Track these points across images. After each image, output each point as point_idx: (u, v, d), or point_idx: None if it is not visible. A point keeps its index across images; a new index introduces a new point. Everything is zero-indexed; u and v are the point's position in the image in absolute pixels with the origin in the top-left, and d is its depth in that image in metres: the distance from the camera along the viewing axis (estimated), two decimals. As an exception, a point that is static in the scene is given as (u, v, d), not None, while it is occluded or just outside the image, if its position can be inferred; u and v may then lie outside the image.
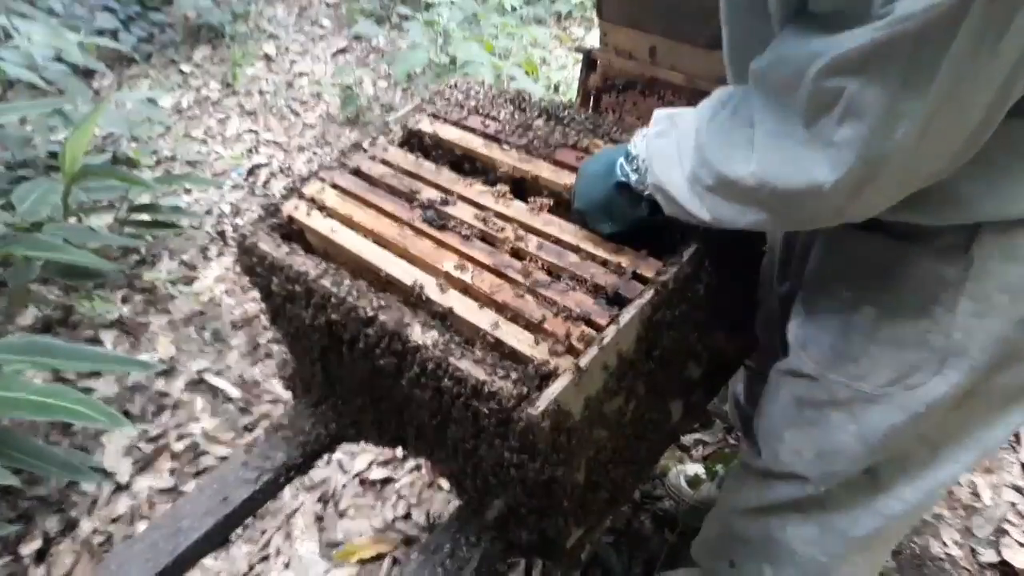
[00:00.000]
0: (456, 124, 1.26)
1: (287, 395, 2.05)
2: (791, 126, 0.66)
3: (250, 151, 3.33)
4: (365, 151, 1.27)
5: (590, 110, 1.70)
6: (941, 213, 0.75)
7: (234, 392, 2.16)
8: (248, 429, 2.05)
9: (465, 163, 1.21)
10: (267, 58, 4.10)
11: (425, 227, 1.07)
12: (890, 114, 0.59)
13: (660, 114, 0.88)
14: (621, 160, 0.92)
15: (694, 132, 0.79)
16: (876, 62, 0.57)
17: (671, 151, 0.83)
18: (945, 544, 1.56)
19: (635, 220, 0.94)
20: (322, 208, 1.17)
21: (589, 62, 1.68)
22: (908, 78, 0.57)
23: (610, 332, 0.87)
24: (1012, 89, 0.60)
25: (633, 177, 0.90)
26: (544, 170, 1.10)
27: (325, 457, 1.39)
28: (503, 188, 1.11)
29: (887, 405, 0.89)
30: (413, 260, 1.04)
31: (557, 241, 1.01)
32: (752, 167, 0.71)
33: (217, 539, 1.21)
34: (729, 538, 1.19)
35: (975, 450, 0.92)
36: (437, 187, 1.15)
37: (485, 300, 0.95)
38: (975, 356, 0.81)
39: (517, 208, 1.07)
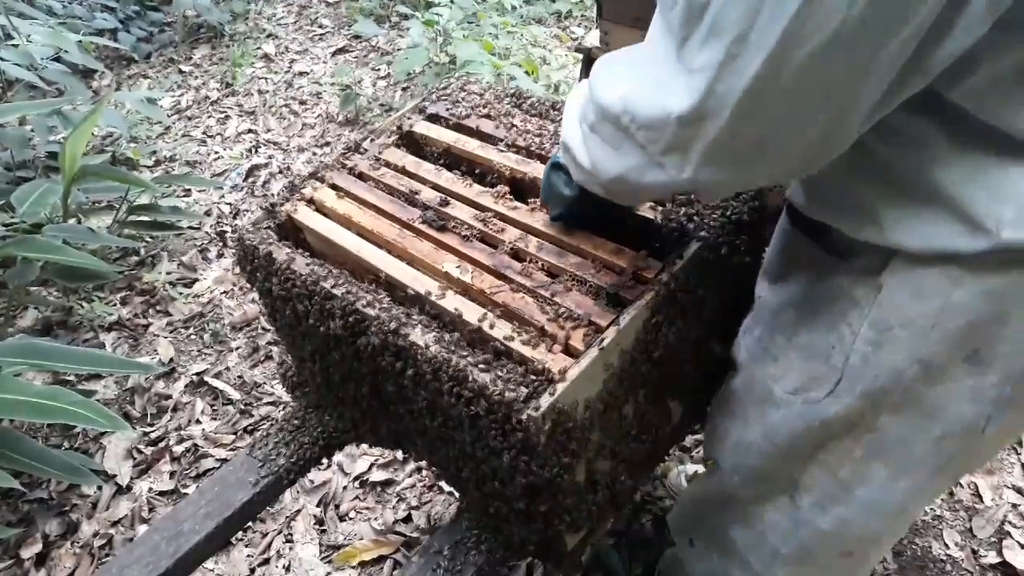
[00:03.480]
0: (452, 126, 1.26)
1: (287, 397, 2.04)
2: (668, 50, 0.61)
3: (250, 151, 3.32)
4: (365, 151, 1.26)
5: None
6: (859, 227, 0.72)
7: (234, 394, 2.15)
8: (248, 431, 2.04)
9: (462, 165, 1.20)
10: (267, 58, 4.10)
11: (425, 228, 1.07)
12: (745, 40, 0.53)
13: (582, 82, 0.85)
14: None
15: (591, 73, 0.76)
16: None
17: (576, 106, 0.80)
18: (947, 545, 1.56)
19: (568, 200, 0.93)
20: (321, 209, 1.16)
21: (589, 61, 1.68)
22: (767, 2, 0.51)
23: (610, 333, 0.87)
24: (881, 65, 0.54)
25: (561, 152, 0.88)
26: (541, 172, 1.10)
27: (325, 460, 1.39)
28: (503, 189, 1.11)
29: (788, 411, 0.87)
30: (413, 261, 1.03)
31: (557, 242, 1.00)
32: (621, 91, 0.67)
33: (218, 542, 1.21)
34: (691, 517, 1.21)
35: (874, 499, 0.86)
36: (436, 188, 1.15)
37: (485, 301, 0.95)
38: (866, 385, 0.77)
39: (517, 209, 1.07)
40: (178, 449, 2.01)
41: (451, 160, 1.23)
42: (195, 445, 2.02)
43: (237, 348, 2.32)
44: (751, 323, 0.97)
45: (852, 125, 0.60)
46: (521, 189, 1.12)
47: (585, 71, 1.69)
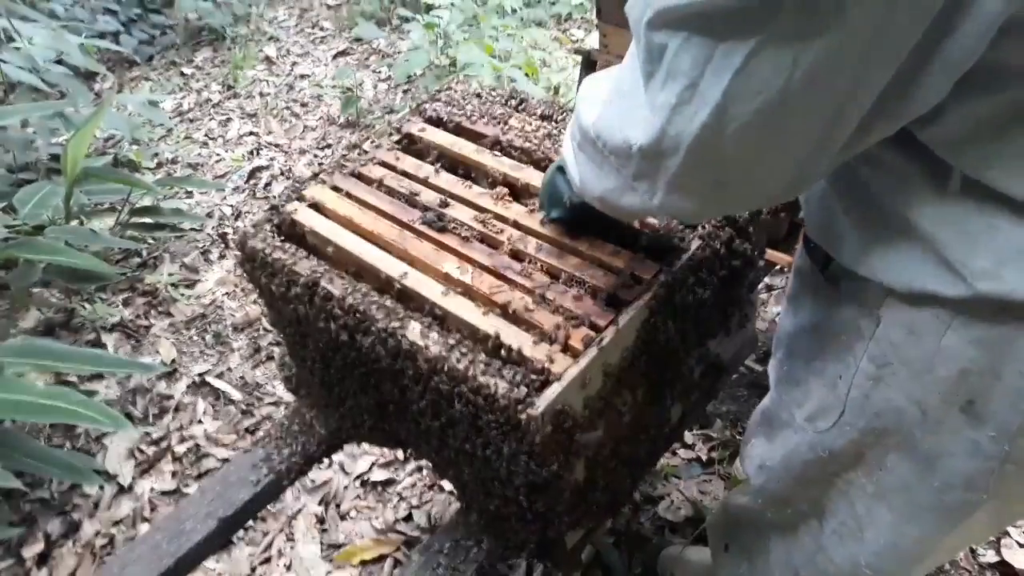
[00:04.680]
0: (451, 129, 1.27)
1: (289, 397, 2.05)
2: (636, 82, 0.61)
3: (251, 153, 3.33)
4: (365, 153, 1.27)
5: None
6: (852, 258, 0.72)
7: (236, 394, 2.16)
8: (250, 431, 2.05)
9: (459, 168, 1.21)
10: (268, 60, 4.11)
11: (425, 229, 1.08)
12: (696, 88, 0.53)
13: None
14: None
15: (579, 90, 0.77)
16: (695, 23, 0.51)
17: (571, 121, 0.81)
18: (946, 544, 1.57)
19: (571, 205, 0.94)
20: (322, 210, 1.17)
21: (589, 64, 1.69)
22: (718, 55, 0.51)
23: (609, 333, 0.88)
24: (843, 118, 0.54)
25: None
26: (535, 178, 1.11)
27: (326, 459, 1.40)
28: (502, 190, 1.12)
29: (803, 438, 0.86)
30: (413, 262, 1.04)
31: (556, 243, 1.01)
32: (596, 114, 0.68)
33: (219, 541, 1.21)
34: (729, 524, 1.21)
35: (882, 544, 0.84)
36: (436, 189, 1.15)
37: (485, 301, 0.95)
38: (868, 422, 0.76)
39: (516, 210, 1.08)
40: (180, 449, 2.01)
41: (448, 163, 1.24)
42: (197, 445, 2.02)
43: (239, 349, 2.33)
44: (776, 346, 0.96)
45: (812, 170, 0.60)
46: (515, 194, 1.12)
47: (585, 74, 1.70)
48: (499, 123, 1.24)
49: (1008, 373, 0.64)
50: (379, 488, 1.85)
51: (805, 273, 0.85)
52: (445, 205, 1.11)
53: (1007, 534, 1.57)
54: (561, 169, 0.93)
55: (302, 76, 3.92)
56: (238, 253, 1.19)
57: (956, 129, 0.58)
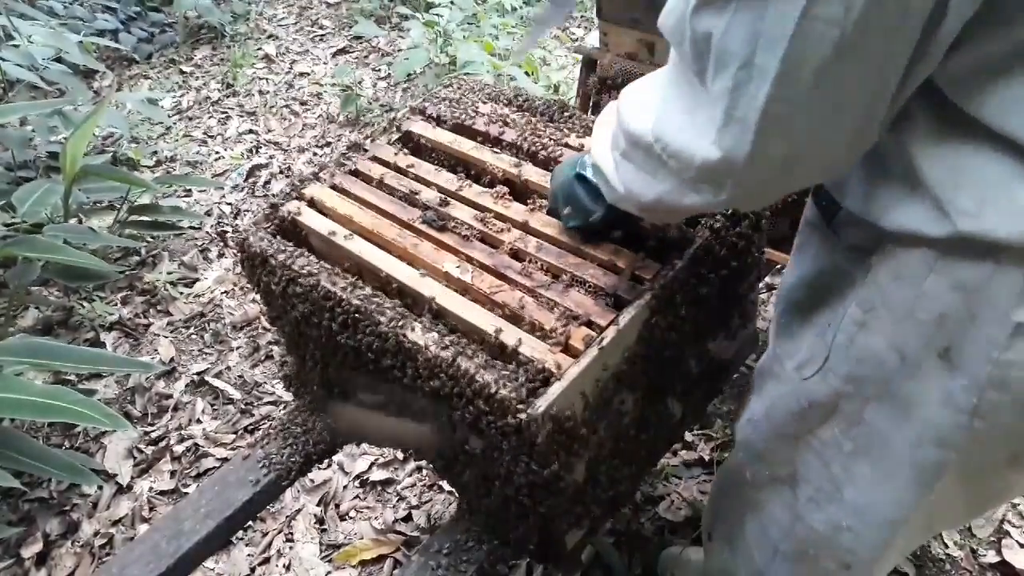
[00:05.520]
0: (450, 127, 1.26)
1: (288, 396, 2.05)
2: (690, 80, 0.62)
3: (250, 152, 3.33)
4: (365, 152, 1.27)
5: (590, 110, 1.71)
6: (858, 202, 0.72)
7: (235, 393, 2.16)
8: (249, 431, 2.05)
9: (458, 167, 1.21)
10: (267, 58, 4.10)
11: (425, 228, 1.08)
12: (751, 65, 0.54)
13: (611, 104, 0.88)
14: (587, 155, 0.92)
15: (619, 100, 0.78)
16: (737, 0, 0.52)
17: (608, 131, 0.82)
18: (946, 545, 1.56)
19: (592, 213, 0.94)
20: (322, 209, 1.17)
21: (589, 62, 1.68)
22: (767, 24, 0.52)
23: (610, 333, 0.87)
24: (893, 62, 0.55)
25: (590, 170, 0.90)
26: (534, 175, 1.11)
27: (326, 459, 1.39)
28: (502, 189, 1.11)
29: (787, 387, 0.87)
30: (413, 261, 1.04)
31: (557, 242, 1.01)
32: (651, 119, 0.68)
33: (218, 541, 1.21)
34: (712, 511, 1.21)
35: (861, 503, 0.83)
36: (436, 188, 1.15)
37: (485, 301, 0.95)
38: (850, 368, 0.76)
39: (516, 209, 1.07)
40: (179, 448, 2.01)
41: (448, 161, 1.23)
42: (196, 444, 2.02)
43: (238, 348, 2.32)
44: (776, 303, 0.97)
45: (874, 125, 0.61)
46: (514, 192, 1.12)
47: (585, 72, 1.69)
48: (499, 121, 1.23)
49: (983, 319, 0.65)
50: (379, 488, 1.84)
51: (812, 224, 0.86)
52: (445, 204, 1.11)
53: (1007, 534, 1.57)
54: (580, 177, 0.93)
55: (301, 74, 3.91)
56: (237, 252, 1.19)
57: (963, 66, 0.59)
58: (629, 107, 0.74)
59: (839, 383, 0.79)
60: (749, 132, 0.58)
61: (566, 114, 1.23)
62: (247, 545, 1.76)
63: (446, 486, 1.79)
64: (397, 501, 1.80)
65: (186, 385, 2.21)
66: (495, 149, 1.18)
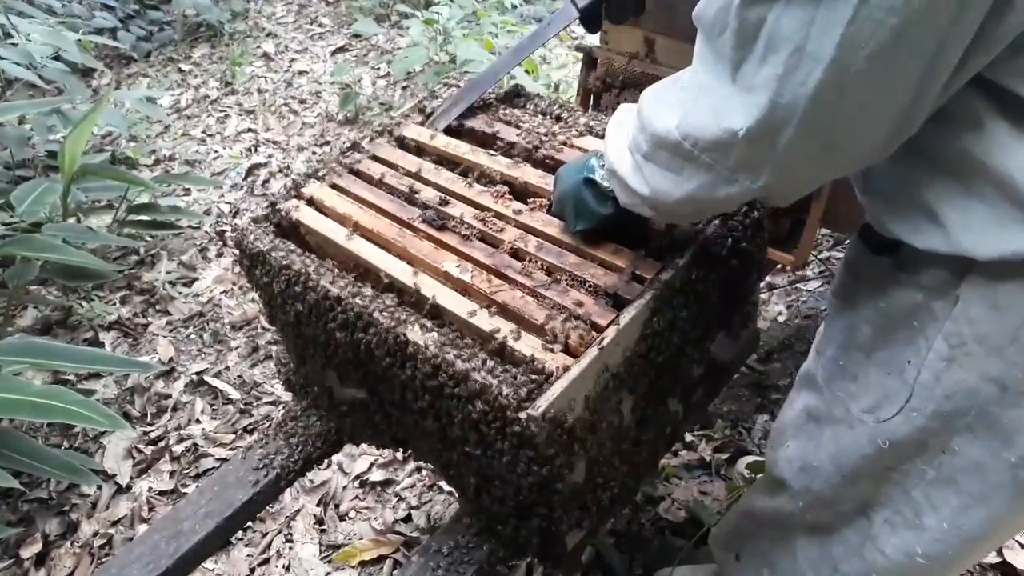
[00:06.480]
0: (446, 129, 1.25)
1: (287, 396, 2.04)
2: (719, 75, 0.63)
3: (249, 150, 3.32)
4: (364, 151, 1.26)
5: (590, 109, 1.70)
6: (922, 232, 0.71)
7: (234, 393, 2.15)
8: (248, 431, 2.04)
9: (456, 168, 1.20)
10: (266, 57, 4.10)
11: (425, 227, 1.07)
12: (803, 51, 0.55)
13: (623, 106, 0.88)
14: (594, 158, 0.92)
15: (639, 102, 0.78)
16: None
17: (623, 134, 0.82)
18: (947, 544, 1.56)
19: (600, 217, 0.93)
20: (321, 208, 1.16)
21: (589, 60, 1.68)
22: (822, 11, 0.53)
23: (610, 333, 0.87)
24: (947, 52, 0.55)
25: (599, 173, 0.90)
26: (532, 176, 1.10)
27: (325, 459, 1.39)
28: (502, 188, 1.11)
29: (859, 432, 0.85)
30: (413, 260, 1.03)
31: (557, 242, 1.00)
32: (677, 119, 0.69)
33: (218, 541, 1.21)
34: (741, 533, 1.19)
35: (944, 531, 0.82)
36: (436, 187, 1.14)
37: (485, 300, 0.95)
38: (937, 405, 0.75)
39: (516, 208, 1.07)
40: (178, 448, 2.01)
41: (446, 164, 1.22)
42: (195, 444, 2.02)
43: (237, 347, 2.32)
44: (823, 345, 0.94)
45: (921, 112, 0.60)
46: (514, 192, 1.11)
47: (585, 71, 1.68)
48: (498, 121, 1.23)
49: None
50: (378, 488, 1.84)
51: (860, 266, 0.85)
52: (445, 203, 1.10)
53: (1009, 533, 1.57)
54: (588, 181, 0.92)
55: (300, 72, 3.90)
56: (236, 251, 1.18)
57: None
58: (651, 108, 0.74)
59: (924, 421, 0.77)
60: (794, 118, 0.58)
61: (566, 112, 1.23)
62: (246, 546, 1.76)
63: (446, 486, 1.79)
64: (397, 501, 1.80)
65: (185, 385, 2.21)
66: (491, 152, 1.18)
